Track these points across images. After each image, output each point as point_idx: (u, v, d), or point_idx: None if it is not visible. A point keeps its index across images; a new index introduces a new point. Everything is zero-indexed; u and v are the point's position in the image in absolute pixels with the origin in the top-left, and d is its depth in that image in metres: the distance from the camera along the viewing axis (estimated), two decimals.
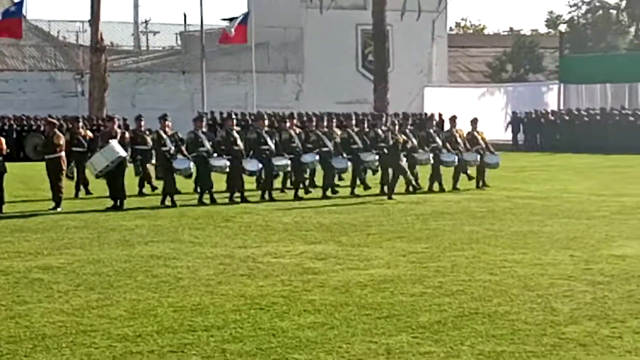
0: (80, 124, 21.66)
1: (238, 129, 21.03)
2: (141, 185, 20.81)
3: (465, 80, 58.19)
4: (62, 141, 18.15)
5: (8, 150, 17.33)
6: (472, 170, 21.59)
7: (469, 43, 63.80)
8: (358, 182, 20.81)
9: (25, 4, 40.42)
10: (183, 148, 18.60)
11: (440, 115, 38.14)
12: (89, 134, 21.56)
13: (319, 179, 21.22)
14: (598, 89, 46.19)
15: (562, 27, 62.68)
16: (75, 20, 50.90)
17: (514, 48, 58.91)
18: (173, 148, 18.56)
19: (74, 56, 48.15)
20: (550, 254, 11.80)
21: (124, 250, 12.42)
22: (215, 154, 18.67)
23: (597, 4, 60.98)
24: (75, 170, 19.91)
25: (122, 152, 17.69)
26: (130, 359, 7.07)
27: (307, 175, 20.97)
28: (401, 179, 19.71)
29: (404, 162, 19.49)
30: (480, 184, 21.51)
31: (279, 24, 47.90)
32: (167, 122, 18.99)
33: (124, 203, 17.75)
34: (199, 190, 19.11)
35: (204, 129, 19.55)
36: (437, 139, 21.35)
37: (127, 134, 20.01)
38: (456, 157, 21.06)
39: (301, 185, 19.99)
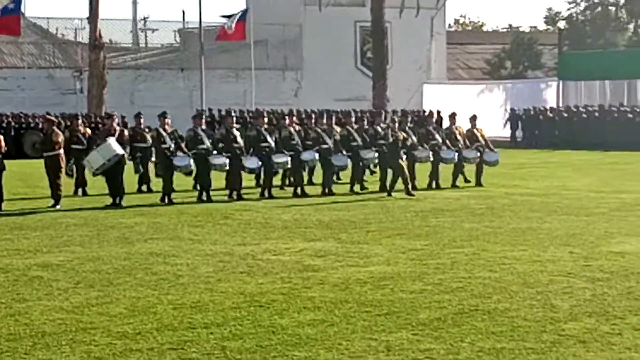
0: (80, 121, 21.64)
1: (238, 126, 21.03)
2: (140, 183, 20.81)
3: (464, 77, 58.19)
4: (61, 139, 18.13)
5: (6, 149, 17.31)
6: (469, 173, 21.53)
7: (467, 40, 63.79)
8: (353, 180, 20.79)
9: (23, 1, 40.45)
10: (183, 145, 18.60)
11: (438, 112, 38.13)
12: (88, 131, 21.55)
13: (317, 178, 21.22)
14: (597, 86, 46.23)
15: (561, 24, 62.72)
16: (74, 18, 50.91)
17: (513, 45, 58.91)
18: (173, 146, 18.57)
19: (73, 53, 48.11)
20: (550, 250, 11.81)
21: (124, 247, 12.42)
22: (214, 152, 18.67)
23: (596, 0, 60.99)
24: (74, 168, 19.89)
25: (120, 150, 17.64)
26: (130, 357, 7.07)
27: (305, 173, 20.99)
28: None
29: (403, 160, 19.47)
30: (477, 182, 21.48)
31: (278, 21, 47.89)
32: (166, 120, 19.00)
33: (123, 200, 17.74)
34: (198, 187, 19.13)
35: (203, 127, 19.55)
36: (437, 136, 21.35)
37: (126, 132, 19.99)
38: (456, 154, 21.06)
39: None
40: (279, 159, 19.26)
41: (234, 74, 47.64)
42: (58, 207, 17.41)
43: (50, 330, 7.85)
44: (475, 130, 21.86)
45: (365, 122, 21.68)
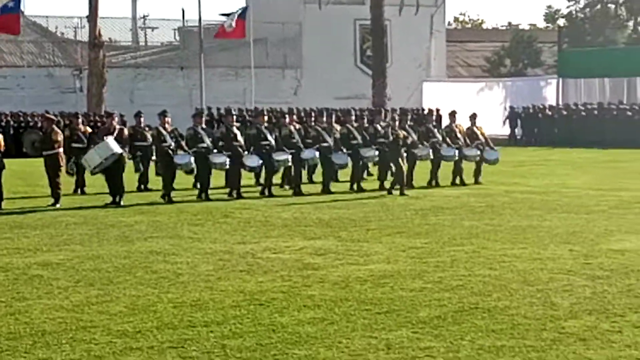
0: (80, 120, 21.63)
1: (238, 124, 21.02)
2: (140, 182, 20.79)
3: (464, 75, 58.16)
4: (60, 137, 18.12)
5: (5, 147, 17.29)
6: (468, 172, 21.52)
7: (467, 38, 63.75)
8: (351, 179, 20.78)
9: None
10: (183, 144, 18.59)
11: (437, 110, 38.10)
12: (89, 130, 21.54)
13: (317, 176, 21.23)
14: (596, 83, 46.22)
15: (561, 22, 62.66)
16: (74, 16, 50.93)
17: (513, 43, 58.87)
18: (173, 144, 18.56)
19: (72, 52, 48.07)
20: (550, 248, 11.81)
21: (124, 246, 12.42)
22: (215, 150, 18.66)
23: None
24: (75, 166, 19.88)
25: (118, 149, 17.50)
26: (130, 355, 7.08)
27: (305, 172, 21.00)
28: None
29: (404, 159, 19.45)
30: (473, 180, 21.47)
31: (278, 19, 47.87)
32: (166, 119, 18.99)
33: (123, 199, 17.72)
34: (198, 186, 19.13)
35: (203, 125, 19.54)
36: (437, 134, 21.36)
37: (125, 130, 19.94)
38: (456, 152, 21.06)
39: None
40: (279, 156, 19.26)
41: (234, 72, 47.61)
42: (58, 205, 17.40)
43: (50, 329, 7.85)
44: (475, 128, 21.87)
45: (365, 121, 21.67)
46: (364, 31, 49.76)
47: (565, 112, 41.20)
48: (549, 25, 66.43)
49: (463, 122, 22.19)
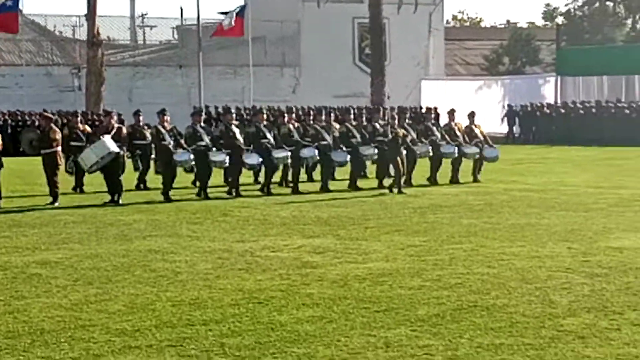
0: (79, 118, 21.61)
1: (237, 122, 21.01)
2: (140, 180, 20.77)
3: (462, 73, 58.17)
4: (58, 136, 18.10)
5: (2, 146, 17.28)
6: (466, 171, 21.52)
7: (465, 36, 63.76)
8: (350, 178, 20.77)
9: None
10: (182, 142, 18.57)
11: (435, 109, 38.05)
12: (88, 128, 21.53)
13: (316, 175, 21.22)
14: (595, 81, 46.25)
15: (559, 20, 62.69)
16: (72, 15, 50.86)
17: (511, 41, 58.87)
18: (172, 142, 18.55)
19: (71, 51, 48.06)
20: (548, 246, 11.82)
21: (122, 244, 12.41)
22: (214, 149, 18.64)
23: None
24: (74, 165, 19.87)
25: (114, 148, 17.37)
26: (129, 353, 7.07)
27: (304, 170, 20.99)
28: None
29: (403, 157, 19.45)
30: (473, 178, 21.48)
31: (276, 17, 47.86)
32: (165, 117, 18.98)
33: (122, 198, 17.69)
34: (197, 184, 19.12)
35: (202, 124, 19.53)
36: (436, 132, 21.37)
37: (124, 129, 19.91)
38: (456, 148, 21.07)
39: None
40: (279, 154, 19.26)
41: (232, 70, 47.61)
42: (56, 204, 17.39)
43: (49, 328, 7.85)
44: (473, 127, 21.88)
45: (364, 119, 21.67)
46: (363, 29, 49.74)
47: (563, 110, 41.23)
48: (547, 23, 66.43)
49: (462, 121, 22.20)
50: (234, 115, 20.61)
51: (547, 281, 9.55)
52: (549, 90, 48.20)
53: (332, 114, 21.99)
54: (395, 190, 18.96)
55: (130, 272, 10.37)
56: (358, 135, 20.45)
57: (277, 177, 20.63)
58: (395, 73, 46.90)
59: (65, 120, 28.32)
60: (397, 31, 50.11)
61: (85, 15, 43.35)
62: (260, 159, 19.07)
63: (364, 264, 10.68)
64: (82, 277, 10.12)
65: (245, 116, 33.14)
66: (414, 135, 20.76)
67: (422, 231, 13.37)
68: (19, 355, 7.08)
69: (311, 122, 20.74)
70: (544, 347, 7.11)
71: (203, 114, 21.81)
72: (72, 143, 20.02)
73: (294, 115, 22.76)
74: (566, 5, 62.51)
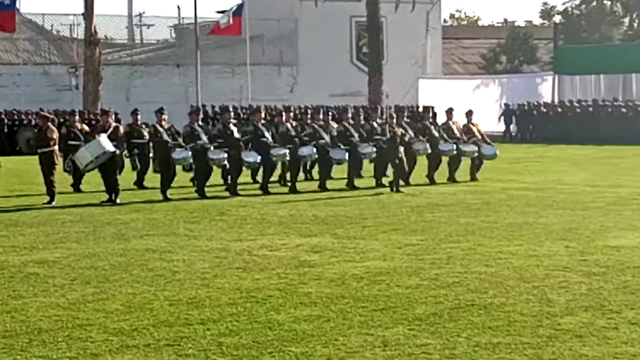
0: (77, 117, 21.60)
1: (235, 121, 21.01)
2: (138, 179, 20.75)
3: (460, 72, 58.18)
4: (55, 135, 18.07)
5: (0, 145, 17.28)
6: (465, 171, 21.52)
7: (463, 34, 63.76)
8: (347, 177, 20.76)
9: None
10: (180, 140, 18.55)
11: (432, 108, 38.09)
12: (85, 127, 21.51)
13: (314, 173, 21.22)
14: (592, 80, 46.27)
15: (557, 18, 62.70)
16: (69, 14, 50.86)
17: (508, 39, 58.88)
18: (170, 141, 18.53)
19: (68, 50, 48.02)
20: (546, 245, 11.82)
21: (120, 244, 12.41)
22: (212, 147, 18.62)
23: None
24: (72, 163, 19.84)
25: (110, 147, 17.27)
26: (127, 353, 7.07)
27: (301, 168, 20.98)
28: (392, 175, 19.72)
29: (402, 156, 19.44)
30: (471, 177, 21.48)
31: (274, 16, 47.85)
32: (163, 116, 18.96)
33: (119, 198, 17.66)
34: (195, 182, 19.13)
35: (200, 123, 19.52)
36: (434, 131, 21.38)
37: (121, 128, 19.88)
38: (454, 145, 21.08)
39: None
40: (277, 151, 19.25)
41: (230, 69, 47.59)
42: (53, 203, 17.37)
43: (46, 327, 7.85)
44: (471, 125, 21.89)
45: (362, 118, 21.68)
46: (360, 28, 49.77)
47: (560, 109, 41.29)
48: (544, 22, 66.43)
49: (459, 119, 22.21)
50: (232, 114, 20.59)
51: (544, 280, 9.55)
52: (546, 89, 48.22)
53: (329, 113, 21.97)
54: (395, 188, 18.96)
55: (127, 271, 10.37)
56: (356, 135, 20.46)
57: (275, 176, 20.63)
58: (393, 72, 46.93)
59: (62, 120, 28.33)
60: (394, 30, 50.12)
61: (83, 14, 43.32)
62: (259, 157, 19.05)
63: (361, 263, 10.68)
64: (80, 276, 10.11)
65: (242, 115, 33.14)
66: (412, 134, 20.76)
67: (420, 230, 13.37)
68: (17, 354, 7.07)
69: (309, 121, 20.75)
70: (542, 345, 7.11)
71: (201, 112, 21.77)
72: (70, 142, 20.01)
73: (291, 114, 22.76)
74: (564, 3, 62.51)
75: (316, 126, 20.26)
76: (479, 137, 21.84)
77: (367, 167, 21.79)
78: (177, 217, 15.31)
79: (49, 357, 6.99)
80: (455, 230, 13.30)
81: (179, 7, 59.96)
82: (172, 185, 19.01)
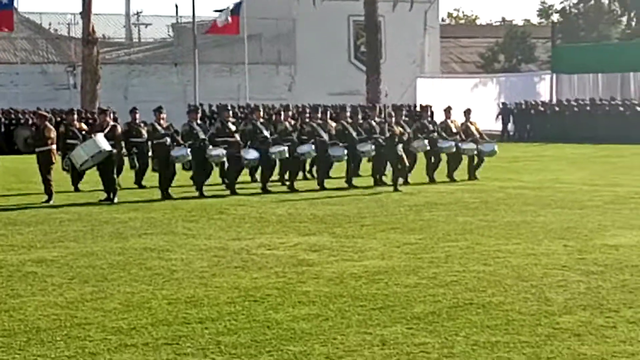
0: (75, 116, 21.59)
1: (233, 120, 21.00)
2: (136, 178, 20.73)
3: (458, 71, 58.21)
4: (53, 134, 18.06)
5: None
6: (461, 171, 21.51)
7: (461, 34, 63.80)
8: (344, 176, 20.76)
9: None
10: (179, 139, 18.53)
11: (430, 107, 38.07)
12: (84, 126, 21.49)
13: (313, 171, 21.23)
14: (590, 79, 46.29)
15: (554, 17, 62.73)
16: (67, 13, 50.87)
17: (506, 38, 58.93)
18: (169, 140, 18.52)
19: (66, 49, 48.01)
20: (544, 244, 11.82)
21: (118, 242, 12.40)
22: (211, 146, 18.61)
23: None
24: (70, 162, 19.81)
25: (106, 147, 17.22)
26: (125, 352, 7.07)
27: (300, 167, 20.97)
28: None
29: (401, 155, 19.44)
30: (470, 175, 21.48)
31: (272, 15, 47.85)
32: (161, 115, 18.95)
33: (116, 197, 17.63)
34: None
35: (199, 121, 19.51)
36: (432, 129, 21.39)
37: (119, 127, 19.85)
38: (453, 143, 21.08)
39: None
40: (276, 149, 19.25)
41: (228, 68, 47.59)
42: (51, 202, 17.36)
43: (44, 326, 7.84)
44: (469, 124, 21.90)
45: (360, 117, 21.67)
46: (358, 27, 49.77)
47: (557, 108, 41.32)
48: (542, 20, 66.48)
49: (457, 118, 22.21)
50: (230, 113, 20.60)
51: (542, 279, 9.55)
52: (544, 88, 48.24)
53: (327, 112, 21.98)
54: (394, 187, 18.96)
55: (126, 270, 10.36)
56: (354, 133, 20.45)
57: (275, 175, 20.62)
58: (391, 71, 46.94)
59: (59, 119, 28.31)
60: (392, 29, 50.14)
61: (81, 13, 43.32)
62: (258, 154, 19.04)
63: (360, 262, 10.68)
64: (78, 275, 10.11)
65: (239, 114, 33.11)
66: (411, 132, 20.77)
67: (418, 229, 13.38)
68: (15, 353, 7.07)
69: (307, 120, 20.75)
70: (540, 344, 7.11)
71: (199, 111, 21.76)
72: (69, 141, 19.97)
73: (290, 113, 22.76)
74: (561, 2, 62.58)
75: (314, 125, 20.26)
76: (478, 135, 21.84)
77: (366, 167, 21.80)
78: (175, 215, 15.31)
79: (47, 356, 6.98)
80: (454, 229, 13.30)
81: (176, 6, 60.09)
82: (172, 185, 19.00)
